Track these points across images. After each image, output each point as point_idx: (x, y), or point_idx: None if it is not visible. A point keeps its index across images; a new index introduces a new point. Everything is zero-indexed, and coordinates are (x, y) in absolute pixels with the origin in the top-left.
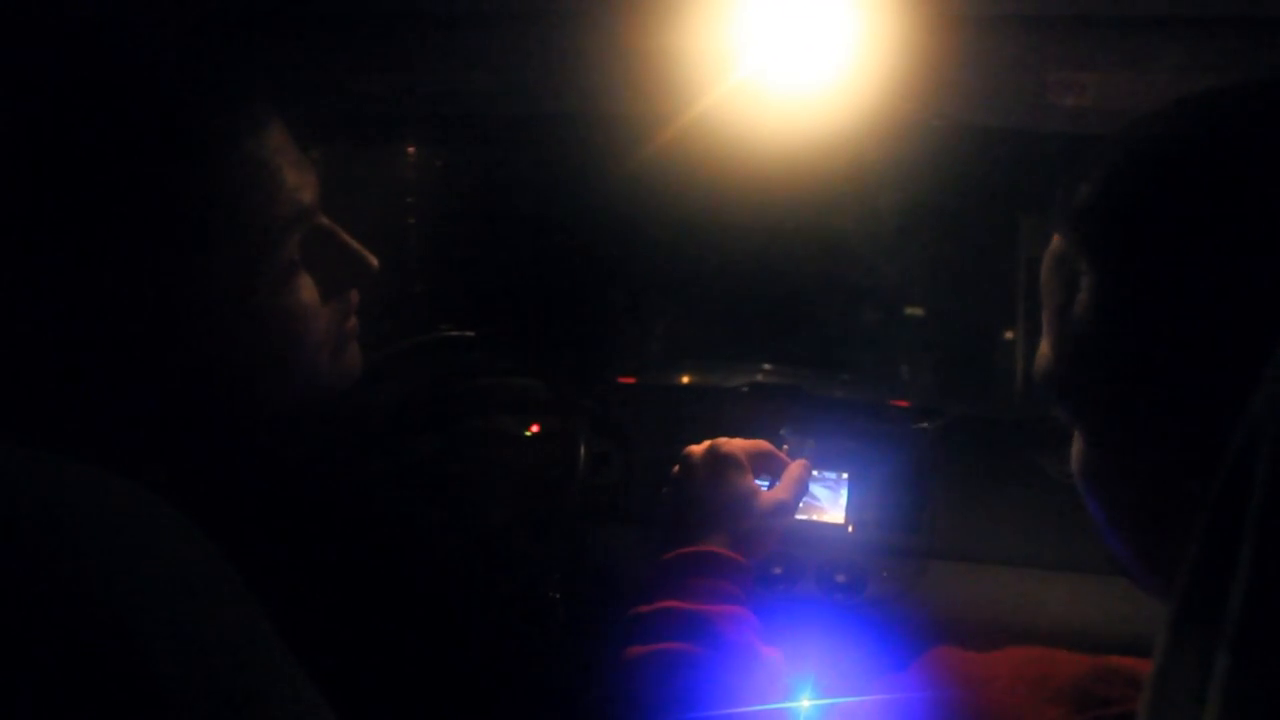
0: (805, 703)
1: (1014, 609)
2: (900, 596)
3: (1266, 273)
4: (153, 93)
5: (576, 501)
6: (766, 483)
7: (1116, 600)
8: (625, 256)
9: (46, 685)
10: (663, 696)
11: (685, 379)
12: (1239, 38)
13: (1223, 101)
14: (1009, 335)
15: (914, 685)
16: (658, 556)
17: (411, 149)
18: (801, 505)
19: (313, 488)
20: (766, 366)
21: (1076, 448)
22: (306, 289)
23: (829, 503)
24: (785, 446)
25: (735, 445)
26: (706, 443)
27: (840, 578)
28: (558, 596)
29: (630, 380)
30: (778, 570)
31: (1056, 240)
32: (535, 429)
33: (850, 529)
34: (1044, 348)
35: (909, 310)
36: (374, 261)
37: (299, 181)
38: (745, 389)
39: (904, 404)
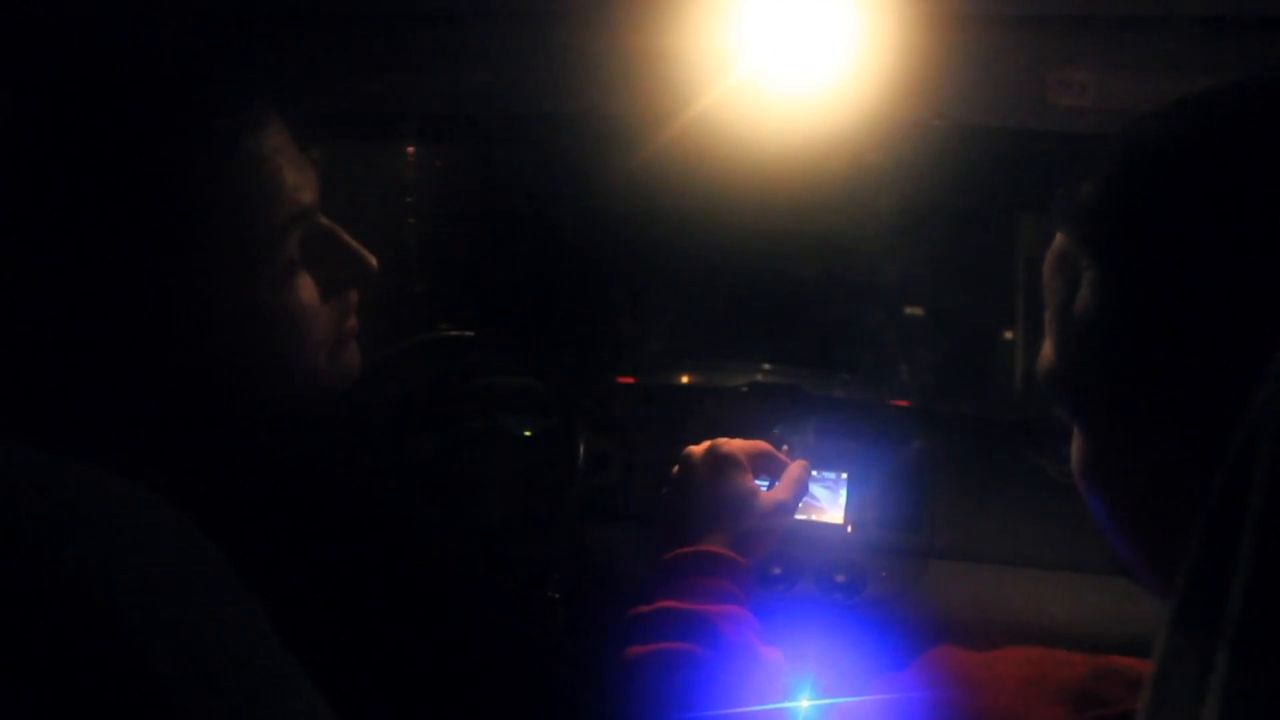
0: (804, 703)
1: (1013, 609)
2: (899, 596)
3: (1267, 271)
4: (153, 92)
5: (576, 501)
6: (766, 483)
7: (1116, 600)
8: (625, 256)
9: (46, 685)
10: (662, 696)
11: (685, 379)
12: (1239, 37)
13: (1224, 99)
14: (1009, 335)
15: (913, 685)
16: (657, 556)
17: (411, 149)
18: (800, 505)
19: (312, 487)
20: (766, 366)
21: (1077, 446)
22: (306, 288)
23: (828, 503)
24: (785, 447)
25: (735, 445)
26: (706, 443)
27: (839, 578)
28: (557, 596)
29: (630, 380)
30: (777, 570)
31: (1059, 238)
32: (534, 429)
33: (849, 529)
34: (1046, 347)
35: (908, 310)
36: (373, 261)
37: (299, 181)
38: (745, 389)
39: (903, 404)
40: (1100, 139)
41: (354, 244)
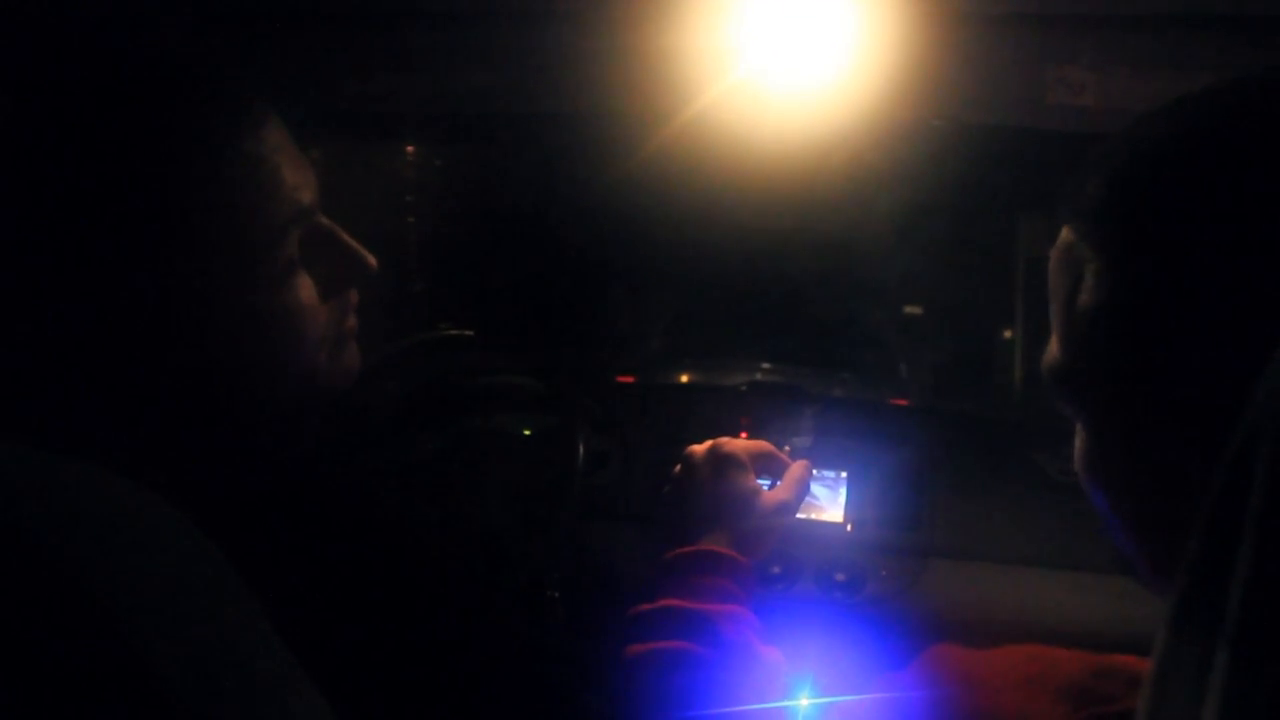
0: (804, 701)
1: (1013, 607)
2: (899, 595)
3: (1268, 269)
4: (152, 92)
5: (575, 500)
6: (768, 482)
7: (1115, 598)
8: (624, 256)
9: (46, 685)
10: (663, 695)
11: (684, 378)
12: (1239, 37)
13: (1227, 97)
14: (1008, 334)
15: (913, 684)
16: (657, 555)
17: (410, 148)
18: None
19: (312, 487)
20: (765, 365)
21: (1080, 442)
22: (305, 288)
23: (828, 502)
24: (787, 448)
25: (737, 445)
26: (708, 442)
27: (839, 576)
28: (556, 595)
29: (629, 379)
30: (776, 569)
31: (1064, 233)
32: (534, 428)
33: (849, 528)
34: (1052, 344)
35: (908, 309)
36: (373, 261)
37: (298, 181)
38: (744, 388)
39: (903, 402)
40: (1100, 138)
41: (354, 244)
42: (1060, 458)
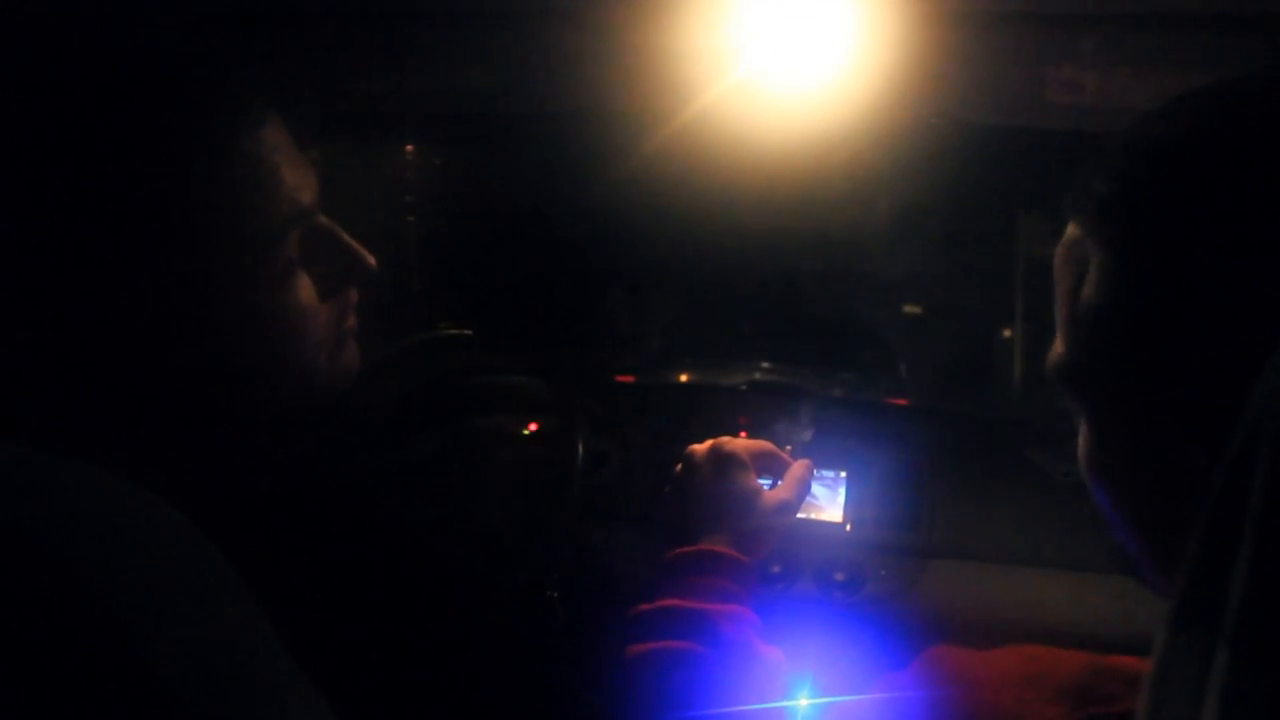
0: (804, 701)
1: (1012, 607)
2: (898, 595)
3: (1270, 267)
4: (152, 92)
5: (575, 500)
6: (769, 482)
7: (1115, 599)
8: (624, 256)
9: (46, 685)
10: (663, 694)
11: (684, 378)
12: (1238, 35)
13: (1232, 94)
14: (1007, 334)
15: (913, 684)
16: (657, 555)
17: (410, 148)
18: None
19: (312, 487)
20: (765, 365)
21: (1083, 438)
22: (305, 288)
23: (827, 501)
24: (788, 448)
25: (738, 445)
26: (710, 442)
27: (839, 576)
28: (556, 595)
29: (629, 379)
30: (776, 569)
31: (1070, 228)
32: (534, 428)
33: (848, 528)
34: (1057, 342)
35: (907, 309)
36: (372, 261)
37: (298, 181)
38: (744, 388)
39: (902, 402)
40: (1099, 137)
41: (353, 244)
42: (1059, 458)
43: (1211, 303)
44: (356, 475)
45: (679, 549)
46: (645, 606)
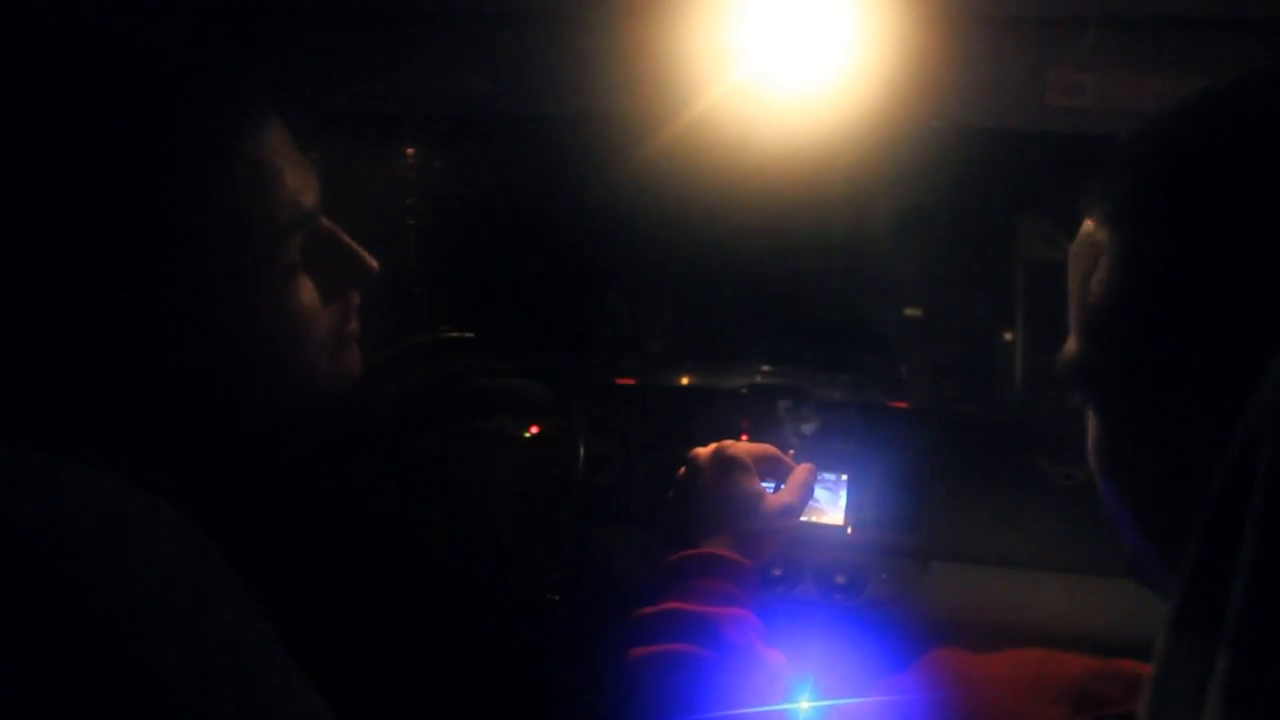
0: (805, 704)
1: (1013, 610)
2: (899, 598)
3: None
4: (152, 94)
5: (575, 502)
6: (771, 485)
7: (1115, 601)
8: (624, 257)
9: (47, 686)
10: (665, 697)
11: (684, 380)
12: (1237, 38)
13: (1255, 91)
14: (1008, 336)
15: (913, 686)
16: (658, 557)
17: (410, 150)
18: None
19: (313, 489)
20: (765, 368)
21: (1092, 436)
22: (307, 291)
23: (828, 504)
24: (791, 451)
25: (741, 448)
26: (713, 445)
27: (839, 579)
28: (556, 598)
29: (629, 381)
30: (777, 572)
31: (1086, 224)
32: (534, 430)
33: (849, 530)
34: (1070, 340)
35: (908, 311)
36: (374, 263)
37: (299, 184)
38: (745, 390)
39: (903, 405)
40: (1099, 139)
41: (355, 246)
42: (1060, 460)
43: (1225, 300)
44: (357, 477)
45: (681, 552)
46: (647, 609)
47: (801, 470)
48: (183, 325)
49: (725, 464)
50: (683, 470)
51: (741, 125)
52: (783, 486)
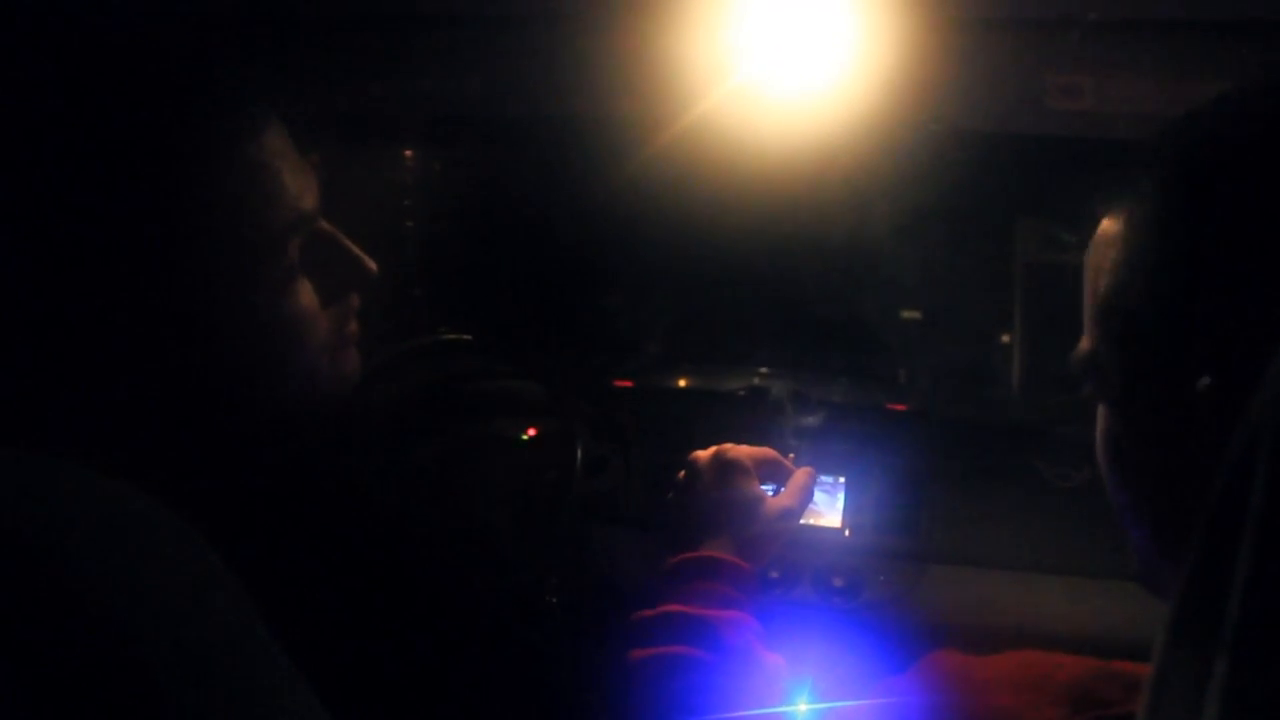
0: (803, 707)
1: (1011, 612)
2: (897, 600)
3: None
4: (153, 96)
5: (574, 505)
6: (771, 488)
7: (1114, 603)
8: (623, 260)
9: (45, 688)
10: (664, 699)
11: (683, 382)
12: (1237, 41)
13: (1269, 93)
14: (1006, 339)
15: (912, 689)
16: (656, 560)
17: (409, 152)
18: None
19: (311, 491)
20: (764, 370)
21: (1101, 432)
22: (306, 293)
23: (826, 507)
24: (791, 455)
25: (741, 451)
26: (713, 448)
27: (837, 582)
28: (555, 600)
29: (628, 384)
30: (775, 574)
31: (1103, 224)
32: (533, 432)
33: (847, 533)
34: (1084, 339)
35: (906, 314)
36: (373, 265)
37: (299, 186)
38: (743, 393)
39: (901, 408)
40: (1099, 142)
41: (354, 249)
42: (1058, 463)
43: (1240, 300)
44: (356, 479)
45: (680, 554)
46: (646, 612)
47: (802, 474)
48: (182, 327)
49: (725, 467)
50: (682, 473)
51: (741, 127)
52: (782, 489)
